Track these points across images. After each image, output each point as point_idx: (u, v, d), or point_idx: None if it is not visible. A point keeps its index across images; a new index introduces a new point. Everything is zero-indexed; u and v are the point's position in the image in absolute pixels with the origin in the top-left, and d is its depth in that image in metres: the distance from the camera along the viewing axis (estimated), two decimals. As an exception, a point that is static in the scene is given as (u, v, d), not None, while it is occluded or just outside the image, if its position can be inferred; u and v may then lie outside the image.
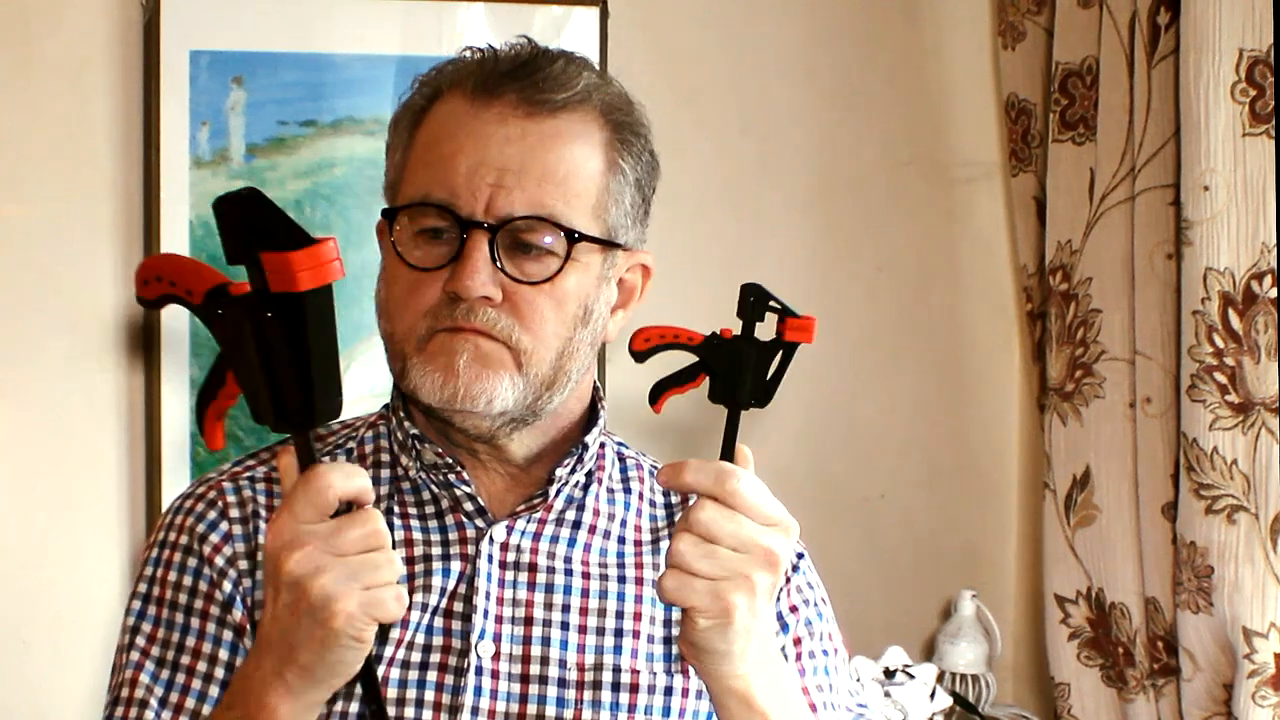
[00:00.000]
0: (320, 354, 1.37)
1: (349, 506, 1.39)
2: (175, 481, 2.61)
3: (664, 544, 1.68)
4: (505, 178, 1.57)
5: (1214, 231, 2.51)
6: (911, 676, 2.85)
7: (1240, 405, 2.51)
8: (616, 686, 1.62)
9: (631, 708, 1.61)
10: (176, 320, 2.62)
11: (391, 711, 1.58)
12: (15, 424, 2.63)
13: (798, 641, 1.70)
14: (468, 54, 1.66)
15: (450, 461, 1.65)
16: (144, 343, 2.64)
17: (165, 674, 1.60)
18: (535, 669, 1.61)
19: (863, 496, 3.05)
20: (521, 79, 1.60)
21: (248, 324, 1.35)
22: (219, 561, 1.62)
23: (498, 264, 1.57)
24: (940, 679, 2.92)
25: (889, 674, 2.86)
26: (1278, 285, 2.48)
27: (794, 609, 1.71)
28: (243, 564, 1.62)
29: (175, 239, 2.62)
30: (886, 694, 2.83)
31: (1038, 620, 2.98)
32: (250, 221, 1.34)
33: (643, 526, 1.70)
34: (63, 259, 2.63)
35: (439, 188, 1.58)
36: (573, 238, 1.59)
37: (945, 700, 2.87)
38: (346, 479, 1.38)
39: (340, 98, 2.69)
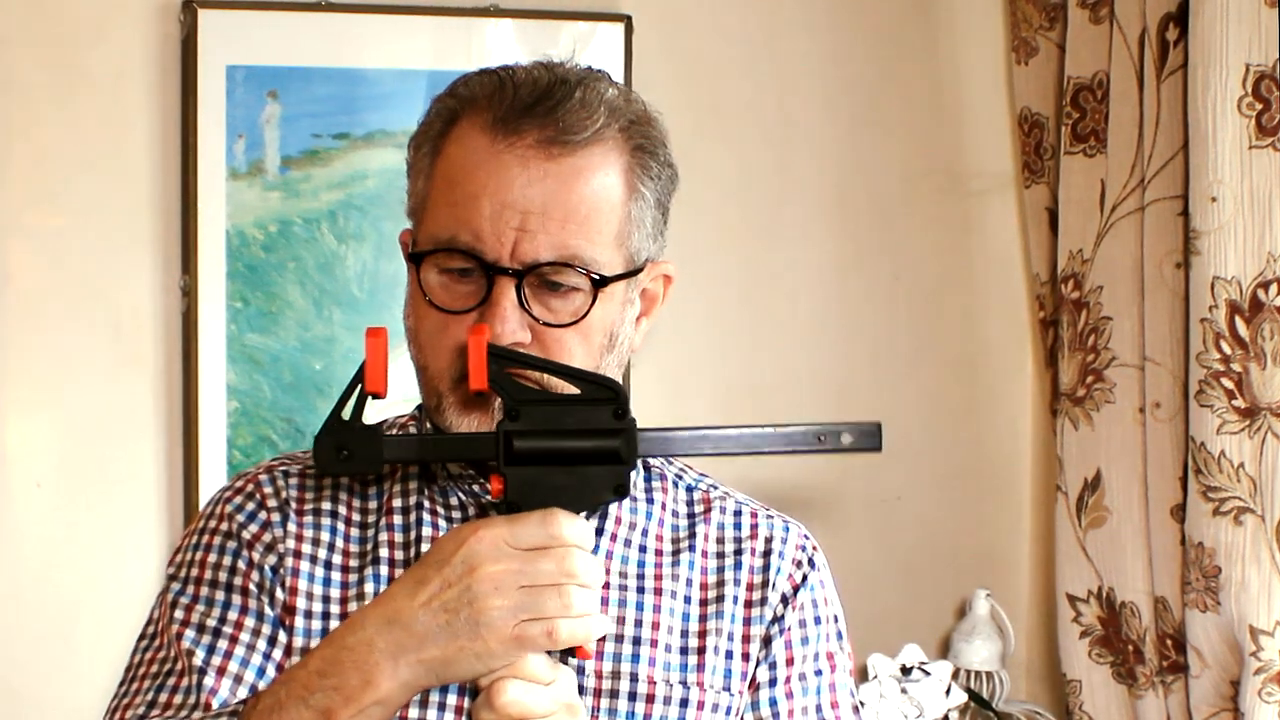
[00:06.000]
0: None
1: None
2: (213, 484, 2.63)
3: (684, 555, 1.66)
4: (529, 221, 1.54)
5: (1221, 241, 2.52)
6: (927, 673, 2.87)
7: (1247, 410, 2.52)
8: (634, 696, 1.60)
9: (647, 717, 1.59)
10: (213, 326, 2.66)
11: (411, 712, 1.56)
12: (57, 429, 2.65)
13: (789, 662, 1.65)
14: (483, 75, 1.61)
15: (473, 473, 1.64)
16: (183, 349, 2.66)
17: (206, 639, 1.59)
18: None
19: (880, 499, 3.06)
20: (542, 116, 1.55)
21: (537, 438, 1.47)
22: (259, 547, 1.62)
23: (525, 307, 1.55)
24: (955, 676, 2.93)
25: (905, 671, 2.88)
26: (1283, 293, 2.51)
27: (786, 629, 1.66)
28: (281, 546, 1.62)
29: (212, 249, 2.65)
30: (903, 690, 2.84)
31: (1050, 619, 2.99)
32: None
33: (664, 536, 1.67)
34: (103, 268, 2.65)
35: (464, 230, 1.55)
36: (598, 282, 1.56)
37: (960, 696, 2.88)
38: (581, 534, 1.44)
39: (372, 111, 2.70)
